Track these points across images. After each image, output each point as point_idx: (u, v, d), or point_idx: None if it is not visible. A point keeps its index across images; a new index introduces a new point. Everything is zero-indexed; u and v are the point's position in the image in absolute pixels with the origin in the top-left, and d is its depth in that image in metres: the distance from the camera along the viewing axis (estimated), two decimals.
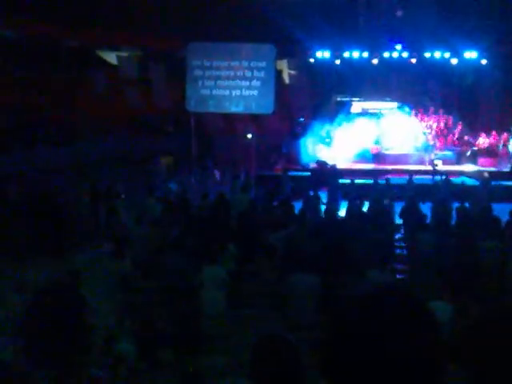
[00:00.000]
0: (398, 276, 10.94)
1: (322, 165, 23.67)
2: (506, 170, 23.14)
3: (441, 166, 22.21)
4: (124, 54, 27.48)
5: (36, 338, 2.69)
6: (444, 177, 19.91)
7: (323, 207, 16.62)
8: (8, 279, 9.10)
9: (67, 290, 3.02)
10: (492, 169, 23.20)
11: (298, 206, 15.60)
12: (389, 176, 20.78)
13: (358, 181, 19.74)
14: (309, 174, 22.81)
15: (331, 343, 1.49)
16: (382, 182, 19.23)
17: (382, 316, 1.44)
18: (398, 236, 14.64)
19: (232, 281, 9.31)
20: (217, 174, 23.01)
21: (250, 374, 2.87)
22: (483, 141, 25.02)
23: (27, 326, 2.73)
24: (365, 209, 15.81)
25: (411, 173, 20.53)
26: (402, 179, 20.17)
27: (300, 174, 22.84)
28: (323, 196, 17.92)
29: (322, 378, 1.50)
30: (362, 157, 25.24)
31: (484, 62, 25.55)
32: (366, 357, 1.41)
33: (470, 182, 21.10)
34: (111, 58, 27.31)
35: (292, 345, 2.87)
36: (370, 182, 19.37)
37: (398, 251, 13.47)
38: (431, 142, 25.23)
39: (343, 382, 1.45)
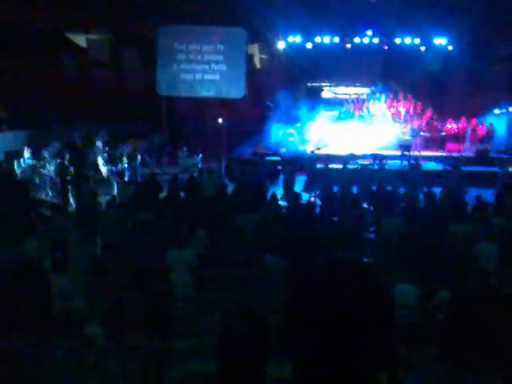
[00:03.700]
0: (365, 259, 11.06)
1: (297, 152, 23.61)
2: (471, 155, 23.43)
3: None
4: (94, 36, 27.18)
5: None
6: (413, 161, 20.17)
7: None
8: None
9: (33, 271, 3.03)
10: (458, 154, 23.55)
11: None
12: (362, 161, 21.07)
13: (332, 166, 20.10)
14: (278, 158, 22.86)
15: (290, 307, 1.56)
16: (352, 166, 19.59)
17: (333, 281, 1.51)
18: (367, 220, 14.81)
19: (201, 264, 9.34)
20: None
21: (217, 348, 2.89)
22: (451, 126, 25.32)
23: None
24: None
25: (383, 158, 20.90)
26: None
27: (271, 158, 22.88)
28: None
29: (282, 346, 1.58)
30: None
31: (451, 47, 25.88)
32: (320, 319, 1.49)
33: (437, 166, 21.51)
34: (81, 40, 27.00)
35: (261, 316, 2.91)
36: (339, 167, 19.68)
37: (367, 235, 13.59)
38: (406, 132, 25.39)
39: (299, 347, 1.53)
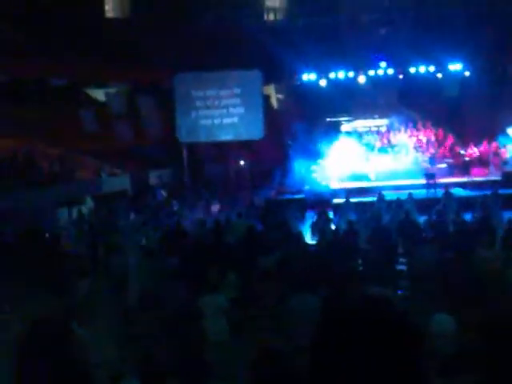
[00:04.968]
0: (399, 292, 10.90)
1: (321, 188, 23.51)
2: (497, 178, 23.18)
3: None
4: (112, 90, 27.60)
5: (28, 370, 2.71)
6: (444, 190, 19.95)
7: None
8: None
9: (58, 326, 3.03)
10: (484, 178, 23.33)
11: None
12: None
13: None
14: (303, 196, 22.82)
15: (315, 348, 1.53)
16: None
17: (360, 327, 1.48)
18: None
19: (233, 308, 9.26)
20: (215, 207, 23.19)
21: None
22: (473, 151, 25.17)
23: (22, 360, 2.75)
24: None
25: (408, 188, 20.80)
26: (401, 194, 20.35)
27: (295, 196, 22.87)
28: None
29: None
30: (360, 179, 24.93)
31: (467, 73, 25.84)
32: (345, 364, 1.45)
33: (465, 193, 21.29)
34: (99, 94, 27.44)
35: (289, 359, 2.87)
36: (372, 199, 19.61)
37: (399, 267, 13.43)
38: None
39: None
